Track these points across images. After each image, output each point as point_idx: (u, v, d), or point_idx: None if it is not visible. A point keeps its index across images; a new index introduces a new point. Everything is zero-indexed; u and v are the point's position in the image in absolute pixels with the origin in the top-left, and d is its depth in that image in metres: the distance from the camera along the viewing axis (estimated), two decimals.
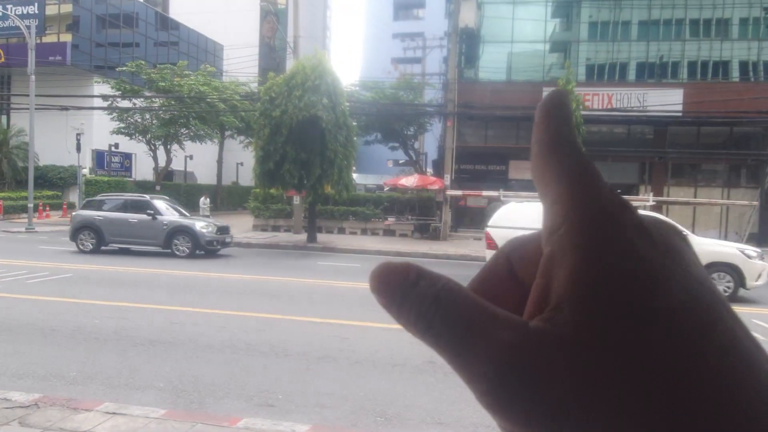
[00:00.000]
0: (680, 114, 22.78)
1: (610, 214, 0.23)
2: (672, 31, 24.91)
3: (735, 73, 24.65)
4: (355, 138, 18.36)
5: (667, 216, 17.11)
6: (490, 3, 25.86)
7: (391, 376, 5.46)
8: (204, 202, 20.80)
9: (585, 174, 0.24)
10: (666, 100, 22.53)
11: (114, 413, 4.13)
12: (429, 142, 33.26)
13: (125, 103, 27.48)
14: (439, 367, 5.67)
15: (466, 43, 25.58)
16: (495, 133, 24.99)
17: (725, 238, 22.90)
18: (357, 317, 7.89)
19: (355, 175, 27.09)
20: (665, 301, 0.21)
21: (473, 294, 0.23)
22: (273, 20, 44.56)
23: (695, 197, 23.39)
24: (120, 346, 6.15)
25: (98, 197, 16.25)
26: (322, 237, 19.42)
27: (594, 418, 0.20)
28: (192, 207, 32.95)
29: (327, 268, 13.47)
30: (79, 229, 14.76)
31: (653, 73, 25.12)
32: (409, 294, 0.23)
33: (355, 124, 21.54)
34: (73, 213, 15.64)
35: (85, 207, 15.57)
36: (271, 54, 45.15)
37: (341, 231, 22.56)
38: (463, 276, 0.38)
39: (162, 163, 29.65)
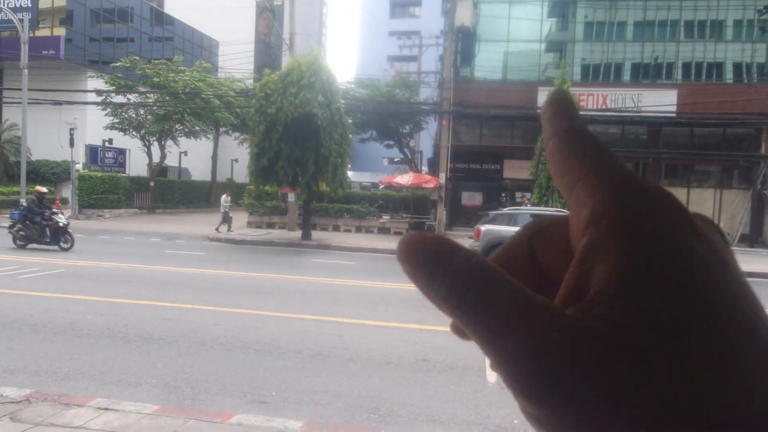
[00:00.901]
0: (674, 115, 22.89)
1: (655, 206, 0.22)
2: (667, 33, 25.02)
3: (729, 75, 24.81)
4: (350, 135, 18.31)
5: None
6: (486, 2, 25.88)
7: (384, 373, 5.46)
8: (225, 199, 20.42)
9: (613, 160, 0.24)
10: (660, 101, 22.62)
11: (106, 409, 4.11)
12: (424, 141, 33.28)
13: (119, 99, 27.30)
14: (432, 365, 5.69)
15: (462, 42, 25.60)
16: (490, 132, 25.02)
17: None
18: (351, 315, 7.90)
19: (350, 173, 27.11)
20: (709, 307, 0.20)
21: (508, 275, 0.22)
22: (269, 17, 44.35)
23: (688, 198, 23.52)
24: (112, 342, 6.13)
25: (506, 210, 14.66)
26: (316, 234, 19.40)
27: (623, 418, 0.19)
28: (187, 204, 33.01)
29: (321, 265, 13.46)
30: (492, 249, 13.14)
31: (648, 74, 25.22)
32: (441, 266, 0.22)
33: (350, 121, 21.53)
34: (483, 229, 13.76)
35: (492, 222, 13.86)
36: (267, 51, 44.96)
37: (336, 228, 22.56)
38: None
39: (156, 159, 29.51)
